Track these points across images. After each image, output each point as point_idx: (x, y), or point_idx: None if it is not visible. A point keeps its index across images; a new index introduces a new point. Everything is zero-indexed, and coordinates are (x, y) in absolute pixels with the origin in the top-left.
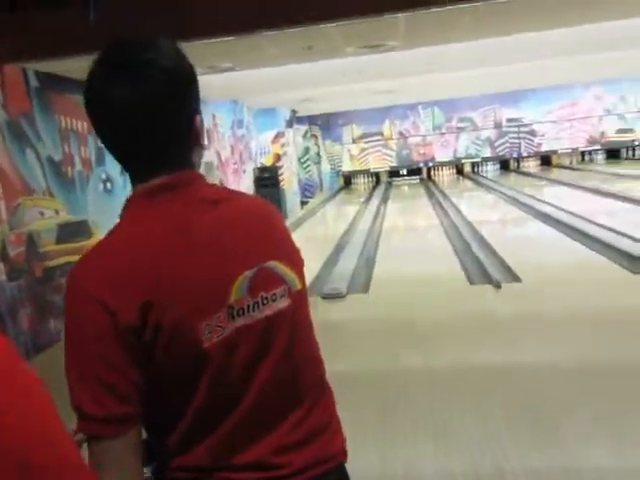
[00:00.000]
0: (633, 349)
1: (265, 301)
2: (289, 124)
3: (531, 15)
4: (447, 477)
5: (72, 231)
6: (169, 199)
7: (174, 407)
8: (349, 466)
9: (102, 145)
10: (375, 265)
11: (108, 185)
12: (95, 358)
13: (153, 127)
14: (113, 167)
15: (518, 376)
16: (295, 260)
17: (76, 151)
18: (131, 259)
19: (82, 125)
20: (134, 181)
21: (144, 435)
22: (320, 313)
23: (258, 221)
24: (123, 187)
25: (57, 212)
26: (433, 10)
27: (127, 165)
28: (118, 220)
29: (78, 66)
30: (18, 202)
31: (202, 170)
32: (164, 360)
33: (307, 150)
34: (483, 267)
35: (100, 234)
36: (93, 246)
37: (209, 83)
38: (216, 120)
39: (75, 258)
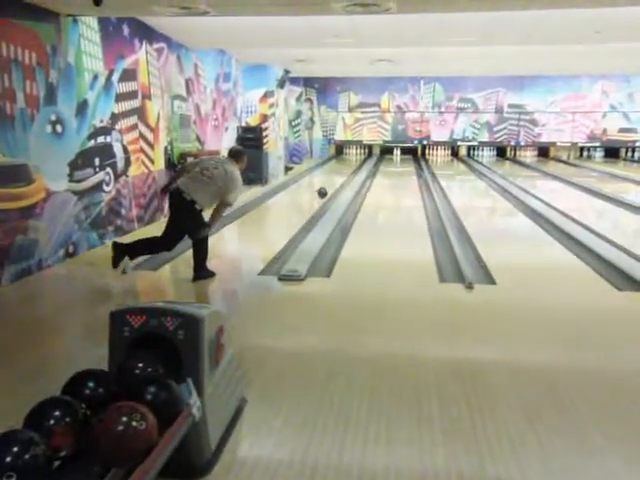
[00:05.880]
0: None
1: None
2: (280, 84)
3: None
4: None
5: (6, 175)
6: None
7: None
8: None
9: (54, 81)
10: (344, 246)
11: (58, 127)
12: None
13: None
14: (66, 107)
15: (471, 372)
16: None
17: (19, 86)
18: None
19: (30, 56)
20: None
21: None
22: (274, 294)
23: None
24: (77, 131)
25: None
26: None
27: None
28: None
29: None
30: None
31: (177, 122)
32: None
33: (299, 114)
34: (456, 262)
35: (43, 181)
36: None
37: (193, 28)
38: (198, 70)
39: (8, 205)
